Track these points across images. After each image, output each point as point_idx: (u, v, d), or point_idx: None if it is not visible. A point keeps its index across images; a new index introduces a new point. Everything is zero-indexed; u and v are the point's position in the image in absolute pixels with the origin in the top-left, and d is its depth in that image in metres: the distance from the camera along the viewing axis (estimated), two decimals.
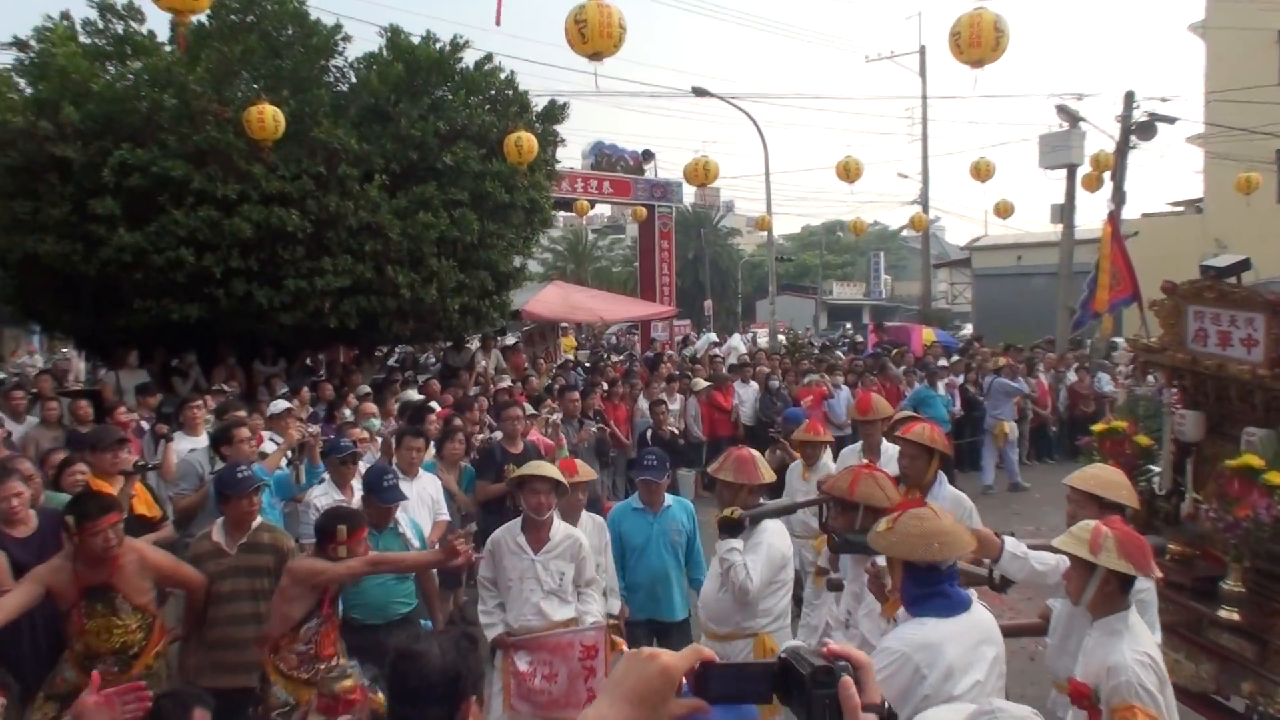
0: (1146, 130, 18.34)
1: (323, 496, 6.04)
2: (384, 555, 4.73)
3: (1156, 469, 5.39)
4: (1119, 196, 18.76)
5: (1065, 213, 20.19)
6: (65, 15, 11.57)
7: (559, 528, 4.88)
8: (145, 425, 8.98)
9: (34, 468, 6.03)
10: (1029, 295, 27.72)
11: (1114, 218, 14.44)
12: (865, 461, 5.62)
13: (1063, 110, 20.18)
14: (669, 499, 5.64)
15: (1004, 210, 19.40)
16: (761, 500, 4.90)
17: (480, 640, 2.41)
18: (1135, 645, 3.17)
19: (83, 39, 11.51)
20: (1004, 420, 13.78)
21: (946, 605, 3.12)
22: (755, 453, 4.98)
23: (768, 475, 4.89)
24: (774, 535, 4.68)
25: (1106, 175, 18.54)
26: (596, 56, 7.35)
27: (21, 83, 11.28)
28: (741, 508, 4.63)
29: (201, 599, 4.60)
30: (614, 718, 1.28)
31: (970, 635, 3.10)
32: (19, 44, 11.25)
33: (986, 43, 7.86)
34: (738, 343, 25.81)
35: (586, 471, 5.41)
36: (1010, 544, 3.83)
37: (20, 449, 8.41)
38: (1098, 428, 5.82)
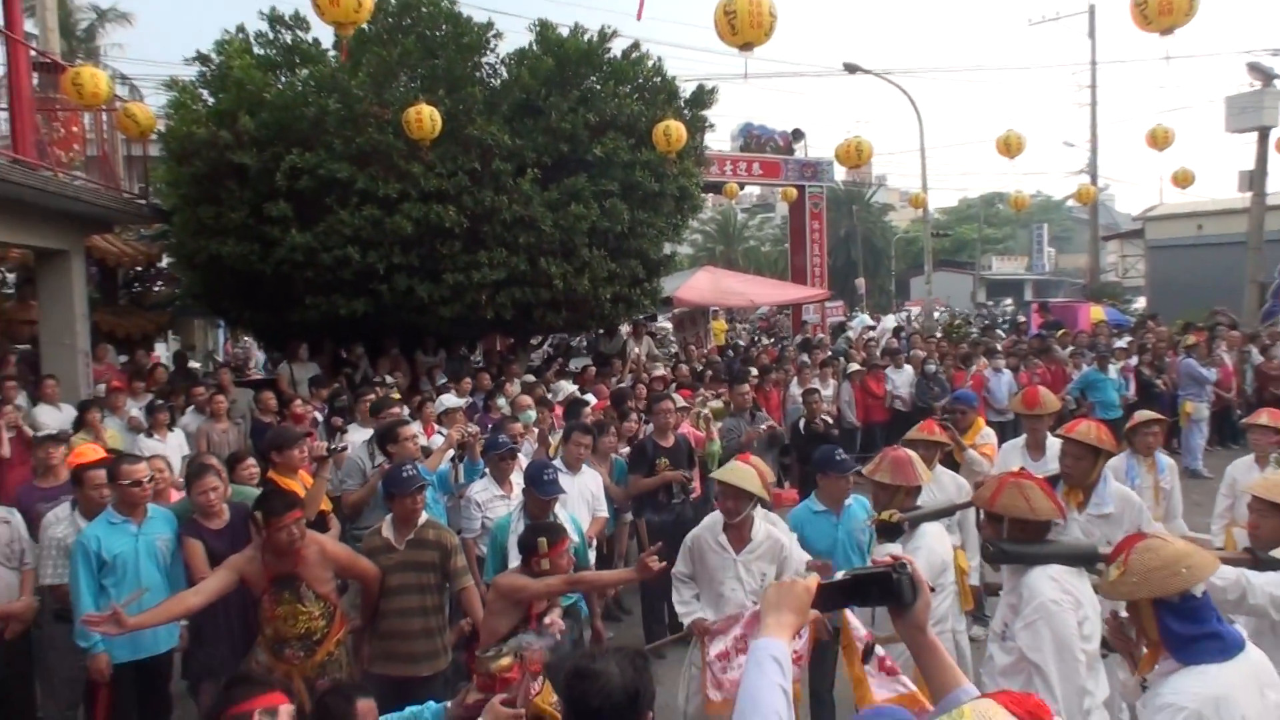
0: None
1: (483, 491, 6.22)
2: (581, 575, 4.77)
3: None
4: None
5: (1255, 179, 18.64)
6: (240, 29, 12.31)
7: (760, 528, 4.85)
8: (319, 416, 9.50)
9: (221, 463, 6.50)
10: (1210, 267, 25.76)
11: None
12: (1020, 465, 5.32)
13: (1255, 68, 18.57)
14: (850, 497, 5.38)
15: (1183, 179, 17.98)
16: (919, 503, 4.73)
17: (650, 659, 2.43)
18: None
19: (256, 50, 12.20)
20: (1189, 400, 12.93)
21: (1222, 647, 2.66)
22: (911, 453, 4.80)
23: (926, 476, 4.72)
24: (933, 539, 4.51)
25: None
26: (747, 47, 7.15)
27: (205, 94, 12.07)
28: (899, 510, 4.49)
29: (376, 590, 4.81)
30: (787, 623, 1.93)
31: (1255, 680, 2.69)
32: (201, 58, 12.04)
33: (1179, 8, 7.07)
34: (891, 323, 25.18)
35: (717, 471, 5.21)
36: None
37: (194, 442, 9.09)
38: None
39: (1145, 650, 2.82)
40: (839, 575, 2.08)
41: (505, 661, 3.62)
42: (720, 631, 4.74)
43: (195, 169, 11.29)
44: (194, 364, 20.76)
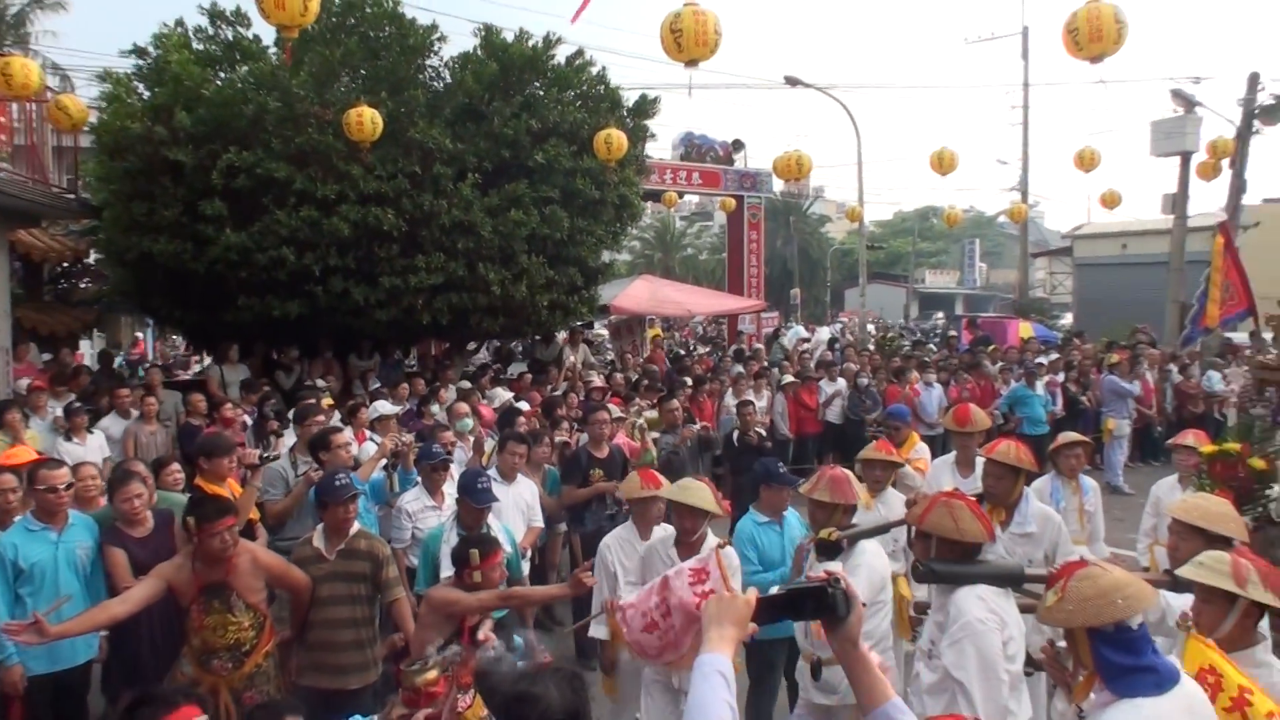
0: (1272, 113, 17.38)
1: (414, 502, 6.20)
2: (514, 590, 4.82)
3: (1274, 494, 5.15)
4: (1238, 185, 17.87)
5: (1178, 202, 19.36)
6: (179, 22, 12.06)
7: (709, 542, 4.83)
8: (249, 420, 9.35)
9: (147, 469, 6.38)
10: (1134, 286, 26.66)
11: (1227, 230, 13.68)
12: (950, 482, 5.47)
13: (1178, 95, 19.30)
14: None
15: (1110, 200, 18.61)
16: (855, 521, 4.84)
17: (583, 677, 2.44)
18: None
19: (195, 45, 11.97)
20: (1111, 417, 13.38)
21: (1157, 680, 2.62)
22: (848, 471, 4.90)
23: (866, 497, 4.84)
24: (872, 556, 4.60)
25: (1224, 162, 17.64)
26: (693, 64, 7.28)
27: (141, 88, 11.79)
28: (837, 528, 4.58)
29: (306, 601, 4.78)
30: (729, 636, 1.96)
31: (1190, 714, 2.65)
32: (138, 51, 11.76)
33: (1108, 36, 7.37)
34: (826, 335, 25.54)
35: (669, 489, 5.10)
36: None
37: (121, 444, 8.88)
38: (1207, 449, 5.57)
39: (1081, 679, 2.81)
40: (774, 590, 2.14)
41: (431, 675, 3.60)
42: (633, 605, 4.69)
43: (128, 164, 11.04)
44: (118, 361, 20.27)
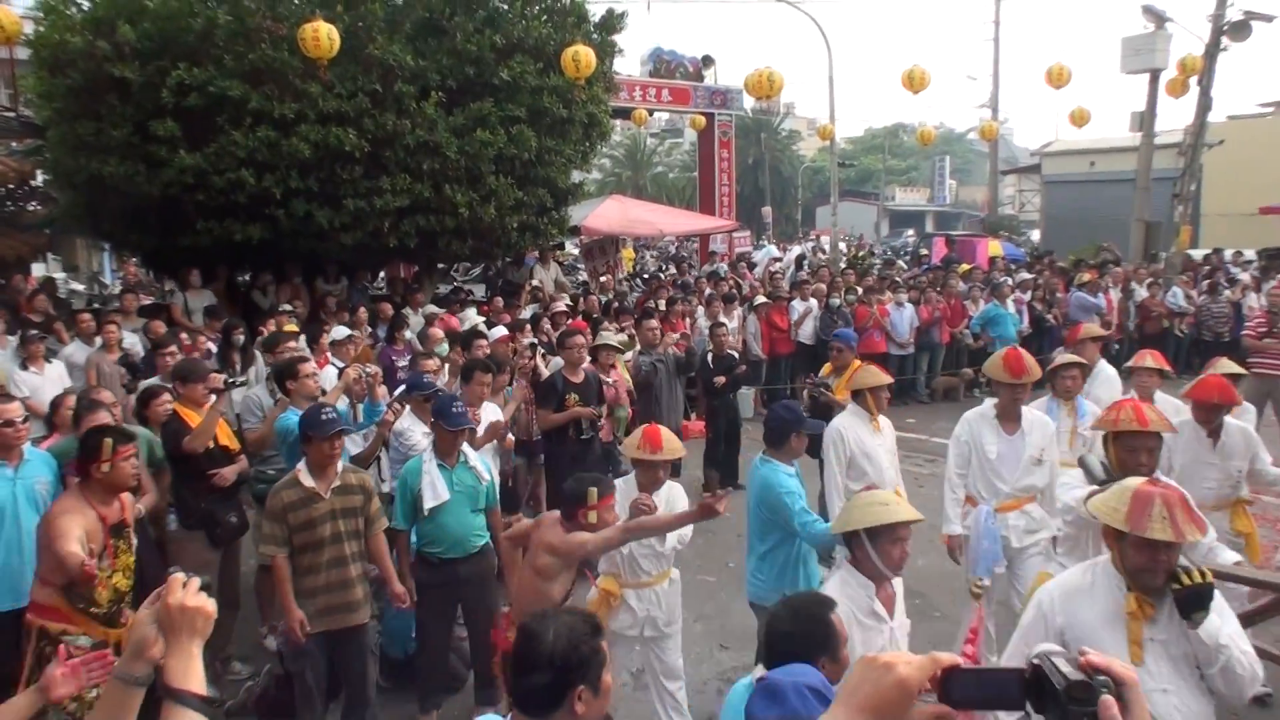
0: (1240, 30, 17.16)
1: (411, 427, 6.11)
2: (641, 521, 4.28)
3: None
4: (1205, 102, 17.78)
5: (1145, 120, 19.25)
6: None
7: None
8: (213, 347, 9.13)
9: (114, 396, 6.20)
10: (1101, 203, 26.70)
11: None
12: (994, 446, 5.28)
13: (1149, 10, 19.03)
14: None
15: (1080, 118, 18.47)
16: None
17: (600, 627, 2.39)
18: None
19: None
20: None
21: None
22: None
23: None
24: None
25: (1193, 80, 17.51)
26: None
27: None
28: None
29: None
30: None
31: None
32: None
33: None
34: (795, 253, 25.46)
35: (674, 448, 4.82)
36: None
37: (84, 372, 8.63)
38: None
39: None
40: (1008, 663, 1.45)
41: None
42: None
43: (71, 81, 10.54)
44: (77, 286, 19.80)
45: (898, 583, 3.69)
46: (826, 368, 8.09)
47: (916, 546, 4.21)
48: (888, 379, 5.97)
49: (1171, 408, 5.75)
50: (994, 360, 5.46)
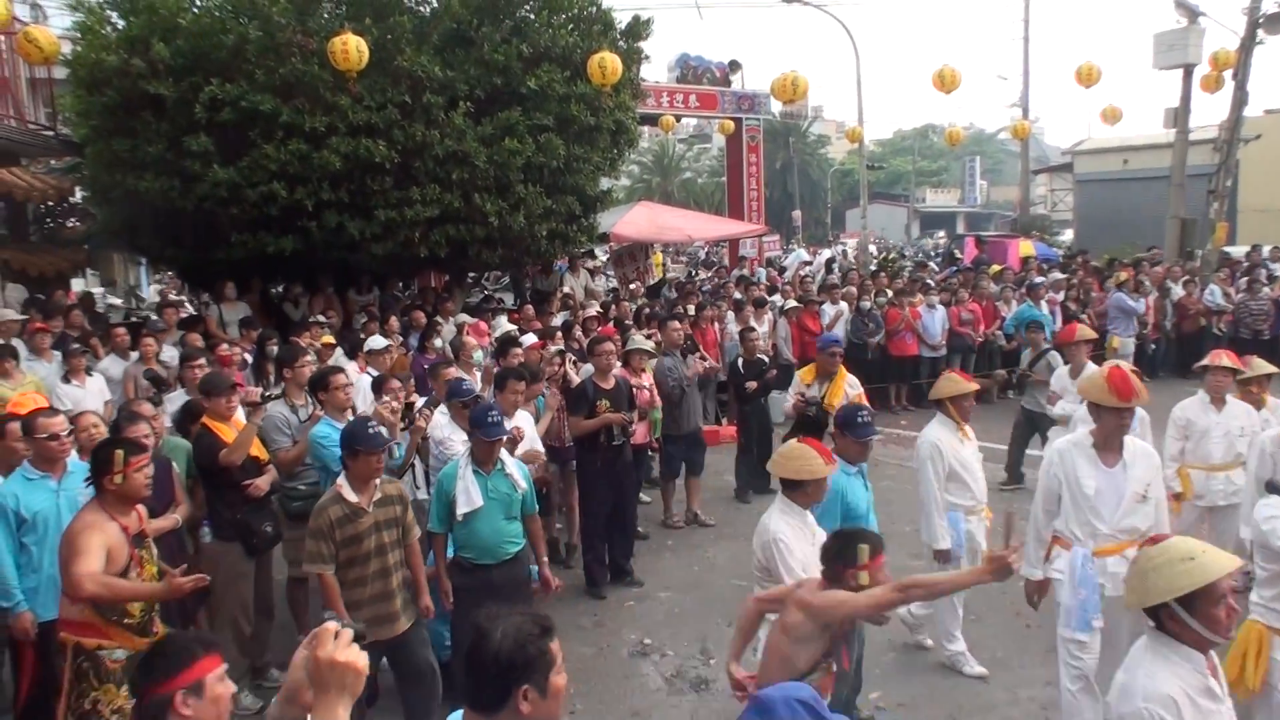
0: (1276, 22, 16.87)
1: (451, 436, 6.16)
2: (917, 579, 3.73)
3: None
4: (1240, 97, 17.47)
5: (1179, 116, 18.93)
6: None
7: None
8: (247, 358, 9.23)
9: (153, 409, 6.28)
10: (1135, 201, 26.34)
11: None
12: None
13: (1181, 5, 18.76)
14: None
15: (1112, 115, 18.27)
16: None
17: (551, 628, 2.34)
18: None
19: None
20: (1116, 335, 13.35)
21: None
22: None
23: None
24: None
25: (1227, 75, 17.23)
26: None
27: (114, 17, 11.40)
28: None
29: None
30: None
31: None
32: None
33: None
34: (826, 256, 25.33)
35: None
36: None
37: (120, 385, 8.76)
38: None
39: None
40: None
41: None
42: None
43: (107, 99, 10.72)
44: (115, 300, 20.09)
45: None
46: (809, 371, 8.05)
47: None
48: (972, 386, 5.69)
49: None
50: (1094, 380, 4.60)
